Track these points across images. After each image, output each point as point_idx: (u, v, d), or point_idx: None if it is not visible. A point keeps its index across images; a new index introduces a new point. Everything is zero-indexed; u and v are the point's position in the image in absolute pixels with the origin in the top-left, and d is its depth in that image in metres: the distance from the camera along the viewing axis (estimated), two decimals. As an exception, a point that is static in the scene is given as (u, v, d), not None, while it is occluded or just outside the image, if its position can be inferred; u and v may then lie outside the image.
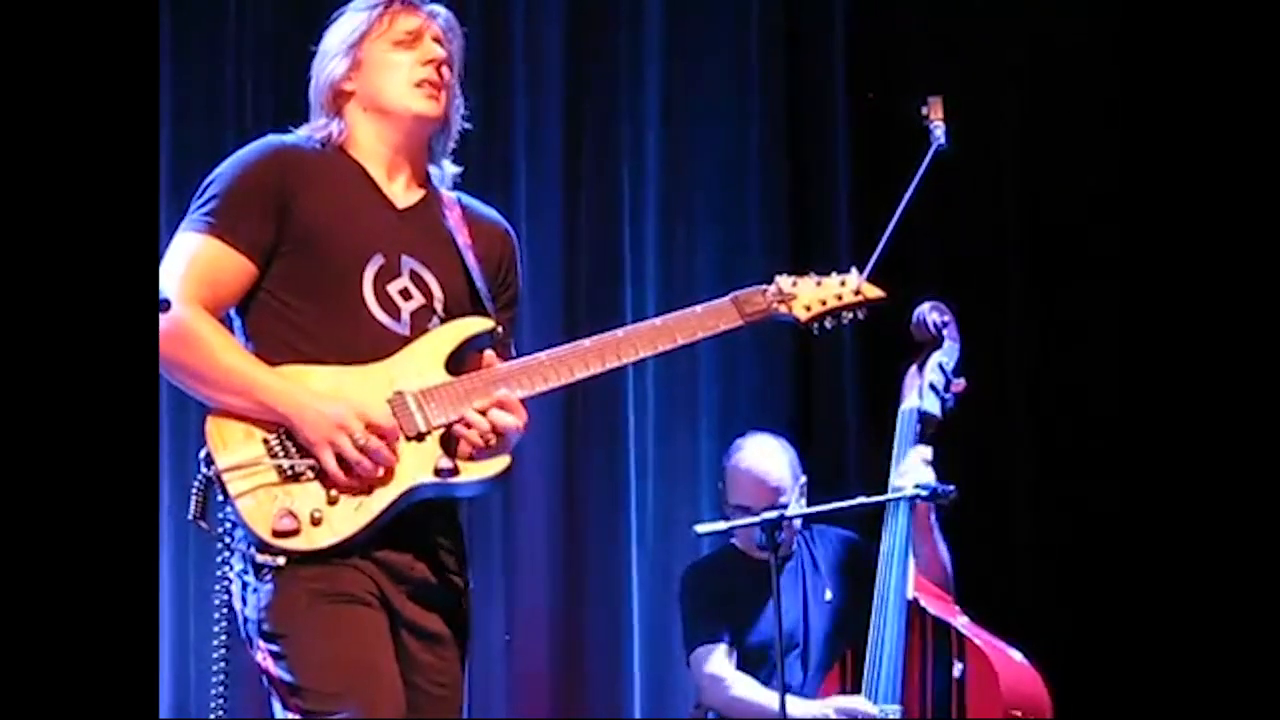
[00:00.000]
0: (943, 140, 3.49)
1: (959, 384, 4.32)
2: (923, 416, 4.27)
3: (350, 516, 2.81)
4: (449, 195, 3.10)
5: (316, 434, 2.80)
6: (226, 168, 2.96)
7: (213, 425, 2.84)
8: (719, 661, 4.46)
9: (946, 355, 4.31)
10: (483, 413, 2.87)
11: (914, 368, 4.35)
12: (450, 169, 3.11)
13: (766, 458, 4.52)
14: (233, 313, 2.95)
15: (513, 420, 2.88)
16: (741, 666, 4.48)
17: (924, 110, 3.52)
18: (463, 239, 3.02)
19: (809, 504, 4.51)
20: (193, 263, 2.88)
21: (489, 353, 2.97)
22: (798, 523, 4.54)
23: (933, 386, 4.27)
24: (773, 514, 4.16)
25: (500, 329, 3.00)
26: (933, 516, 4.29)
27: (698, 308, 3.03)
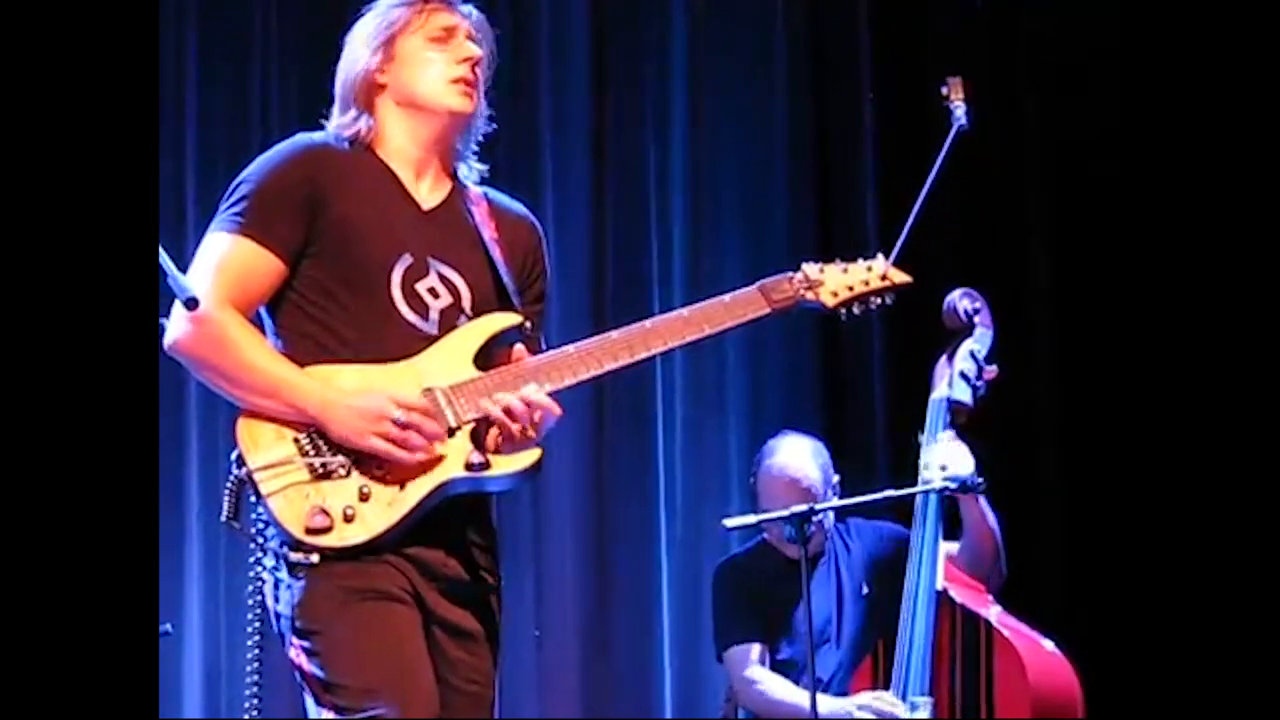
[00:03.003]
0: (964, 121, 3.48)
1: (991, 371, 4.29)
2: (953, 405, 4.25)
3: (382, 513, 2.83)
4: (475, 190, 3.11)
5: (352, 429, 2.82)
6: (257, 167, 2.97)
7: (244, 426, 2.86)
8: (753, 662, 4.46)
9: (978, 343, 4.29)
10: (512, 406, 2.87)
11: (945, 356, 4.33)
12: (476, 166, 3.11)
13: (798, 460, 4.50)
14: (263, 312, 2.97)
15: (546, 406, 2.89)
16: (776, 662, 4.48)
17: (944, 91, 3.51)
18: (489, 234, 3.04)
19: (841, 499, 4.49)
20: (223, 262, 2.90)
21: (518, 347, 2.98)
22: (830, 521, 4.53)
23: (964, 375, 4.24)
24: (802, 507, 4.15)
25: (528, 323, 3.02)
26: (982, 500, 4.26)
27: (725, 297, 3.04)
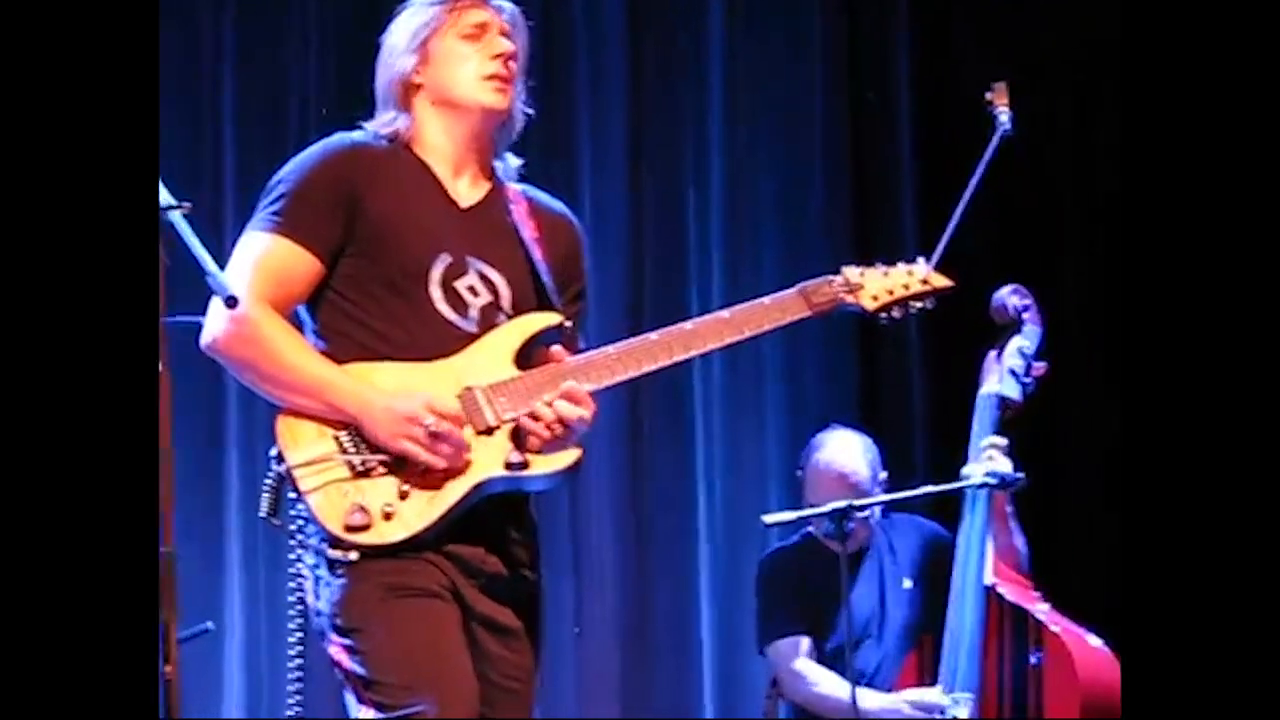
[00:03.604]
0: (1008, 126, 3.49)
1: (1039, 368, 4.31)
2: (1002, 402, 4.27)
3: (422, 511, 2.84)
4: (514, 188, 3.11)
5: (387, 430, 2.83)
6: (295, 166, 2.99)
7: (283, 424, 2.88)
8: (800, 655, 4.47)
9: (1027, 339, 4.31)
10: (551, 405, 2.89)
11: (993, 353, 4.34)
12: (514, 162, 3.11)
13: (847, 454, 4.52)
14: (302, 310, 2.99)
15: (581, 412, 2.89)
16: (819, 659, 4.48)
17: (989, 96, 3.51)
18: (529, 233, 3.04)
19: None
20: (261, 262, 2.91)
21: (556, 348, 2.98)
22: (877, 514, 4.55)
23: (1012, 371, 4.27)
24: (840, 503, 4.17)
25: (568, 323, 3.02)
26: (1009, 505, 4.29)
27: (765, 299, 3.05)
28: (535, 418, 2.90)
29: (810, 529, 4.60)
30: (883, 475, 4.59)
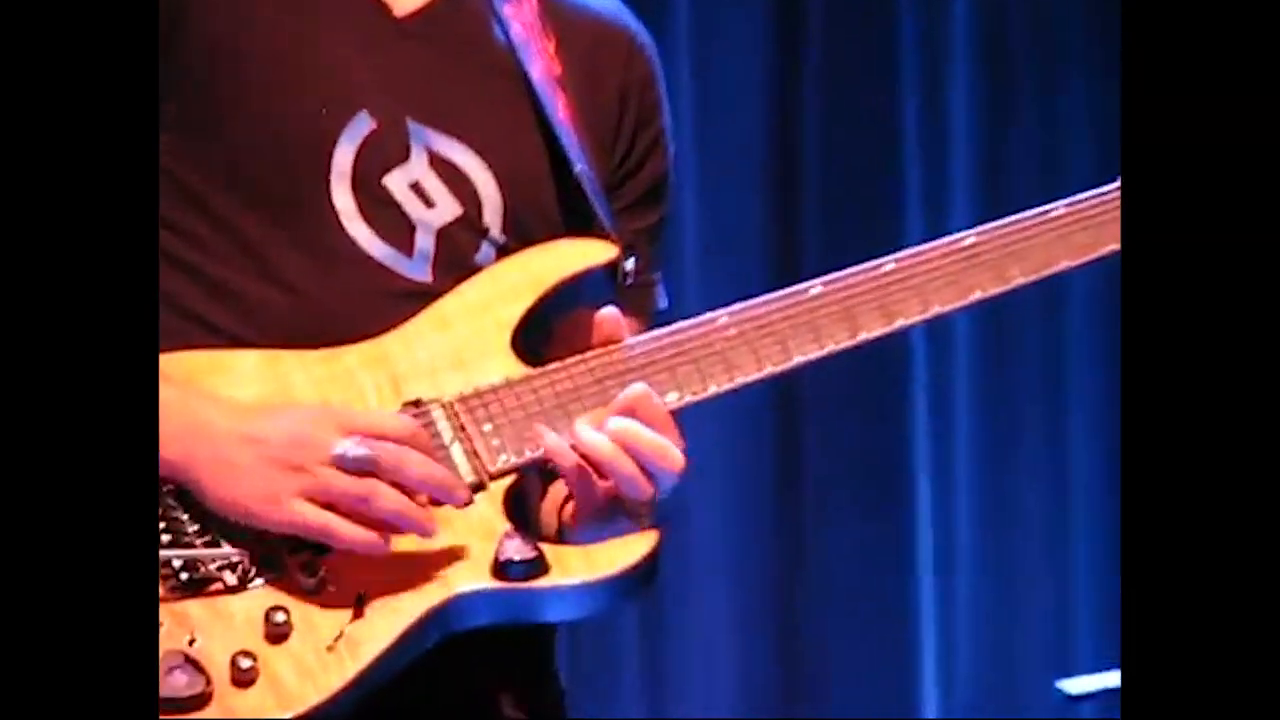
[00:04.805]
0: None
1: None
2: None
3: (319, 666, 2.85)
4: (511, -29, 3.24)
5: (248, 489, 2.88)
6: None
7: None
8: None
9: None
10: (598, 436, 2.93)
11: None
12: None
13: None
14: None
15: (661, 446, 2.90)
16: None
17: None
18: (540, 65, 3.10)
19: None
20: None
21: (606, 311, 3.02)
22: None
23: None
24: None
25: (631, 259, 3.08)
26: None
27: (1057, 207, 3.10)
28: (565, 465, 2.93)
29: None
30: None
